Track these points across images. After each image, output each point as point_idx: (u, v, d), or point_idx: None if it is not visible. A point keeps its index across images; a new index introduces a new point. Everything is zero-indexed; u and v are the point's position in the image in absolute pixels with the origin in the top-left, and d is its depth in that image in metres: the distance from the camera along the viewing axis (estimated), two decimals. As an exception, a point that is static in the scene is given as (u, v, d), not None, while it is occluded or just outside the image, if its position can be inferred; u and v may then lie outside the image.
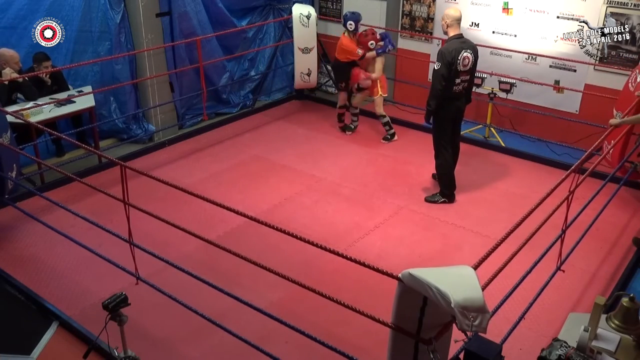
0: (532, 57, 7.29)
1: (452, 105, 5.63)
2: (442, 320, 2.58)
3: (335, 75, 7.74)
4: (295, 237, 3.17)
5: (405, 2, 8.26)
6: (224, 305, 4.07)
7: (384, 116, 7.38)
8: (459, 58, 5.40)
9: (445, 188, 5.98)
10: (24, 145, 5.87)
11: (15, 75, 5.94)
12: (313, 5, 8.79)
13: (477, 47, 5.70)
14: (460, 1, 7.72)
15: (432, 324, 2.56)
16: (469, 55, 5.48)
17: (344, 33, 7.21)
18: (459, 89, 5.57)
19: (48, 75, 6.34)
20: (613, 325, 3.13)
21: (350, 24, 7.08)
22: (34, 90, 6.26)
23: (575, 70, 7.06)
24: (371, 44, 7.01)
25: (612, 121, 4.93)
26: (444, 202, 5.98)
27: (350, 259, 2.97)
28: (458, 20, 5.56)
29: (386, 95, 7.45)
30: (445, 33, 5.64)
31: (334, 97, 9.02)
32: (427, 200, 6.02)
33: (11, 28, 6.48)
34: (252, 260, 3.52)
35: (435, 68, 5.47)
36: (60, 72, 6.57)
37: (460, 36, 5.55)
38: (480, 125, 7.61)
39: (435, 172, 6.13)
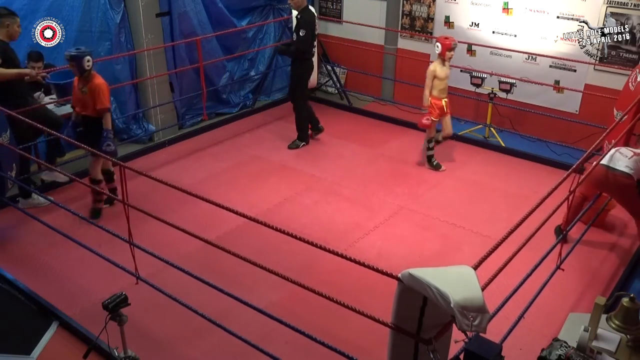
0: (532, 57, 7.29)
1: (310, 64, 7.04)
2: (442, 320, 2.58)
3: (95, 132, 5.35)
4: (295, 237, 3.16)
5: (405, 2, 8.26)
6: (224, 305, 4.07)
7: None
8: (316, 24, 6.91)
9: (302, 133, 7.21)
10: (24, 145, 5.85)
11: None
12: (313, 5, 8.79)
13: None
14: (460, 1, 7.72)
15: (432, 324, 2.55)
16: (317, 22, 6.93)
17: (94, 75, 5.32)
18: (314, 50, 7.10)
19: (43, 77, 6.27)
20: (613, 325, 3.14)
21: (89, 62, 5.22)
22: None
23: (575, 70, 7.06)
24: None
25: None
26: (304, 145, 7.21)
27: (350, 259, 2.96)
28: None
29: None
30: (298, 7, 6.71)
31: (334, 97, 9.04)
32: (290, 147, 7.17)
33: (11, 28, 6.47)
34: (252, 261, 3.51)
35: (301, 34, 6.65)
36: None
37: (307, 6, 6.80)
38: (480, 125, 7.61)
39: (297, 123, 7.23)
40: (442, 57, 6.25)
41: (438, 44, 6.26)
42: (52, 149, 6.15)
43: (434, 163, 6.67)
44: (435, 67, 6.28)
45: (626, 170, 4.70)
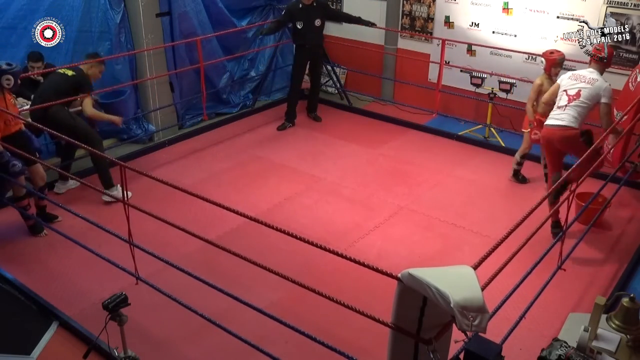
0: (532, 57, 7.28)
1: None
2: (442, 320, 2.58)
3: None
4: (295, 237, 3.16)
5: (405, 2, 8.26)
6: (224, 305, 4.07)
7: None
8: None
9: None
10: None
11: None
12: (313, 5, 8.78)
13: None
14: (460, 1, 7.72)
15: (432, 324, 2.55)
16: None
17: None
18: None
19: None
20: (613, 325, 3.14)
21: (8, 80, 4.92)
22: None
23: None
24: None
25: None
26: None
27: (350, 259, 2.96)
28: None
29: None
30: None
31: (334, 97, 9.04)
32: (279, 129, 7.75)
33: (11, 28, 6.45)
34: (252, 260, 3.51)
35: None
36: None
37: None
38: (480, 125, 7.61)
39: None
40: (548, 73, 5.84)
41: (542, 59, 5.92)
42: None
43: (520, 177, 6.40)
44: (543, 81, 5.81)
45: (564, 123, 4.84)
